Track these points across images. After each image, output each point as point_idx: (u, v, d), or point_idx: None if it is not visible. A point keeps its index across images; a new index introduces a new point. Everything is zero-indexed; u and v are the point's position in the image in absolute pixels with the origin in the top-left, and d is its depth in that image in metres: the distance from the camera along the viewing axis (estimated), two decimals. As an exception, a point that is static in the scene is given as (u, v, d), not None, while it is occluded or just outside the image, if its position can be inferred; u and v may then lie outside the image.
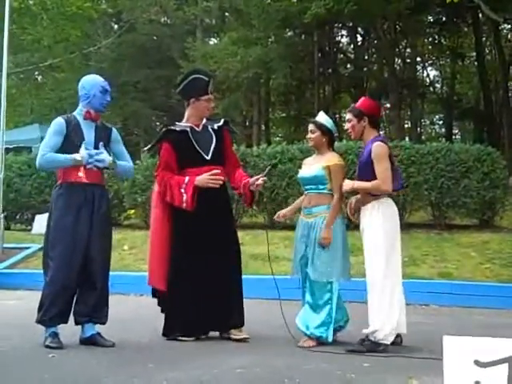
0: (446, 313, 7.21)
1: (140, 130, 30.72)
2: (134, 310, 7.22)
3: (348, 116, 5.21)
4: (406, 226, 10.51)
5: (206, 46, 26.27)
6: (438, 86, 35.68)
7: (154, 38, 28.20)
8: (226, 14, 28.70)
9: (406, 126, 31.61)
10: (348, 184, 5.07)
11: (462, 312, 7.19)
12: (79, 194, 5.00)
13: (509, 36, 28.32)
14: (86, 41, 24.00)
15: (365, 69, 28.79)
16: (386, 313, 4.85)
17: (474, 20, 24.43)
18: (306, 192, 5.38)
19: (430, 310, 7.43)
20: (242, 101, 24.77)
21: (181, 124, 5.42)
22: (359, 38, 29.37)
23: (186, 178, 5.22)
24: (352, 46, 30.18)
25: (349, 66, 30.46)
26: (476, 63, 26.92)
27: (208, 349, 5.01)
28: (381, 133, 5.29)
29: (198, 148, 5.31)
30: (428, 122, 40.20)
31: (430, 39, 29.47)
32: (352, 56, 29.98)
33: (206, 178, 5.19)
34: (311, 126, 5.39)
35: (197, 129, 5.37)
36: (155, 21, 27.47)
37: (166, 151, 5.34)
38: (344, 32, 29.42)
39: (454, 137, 34.53)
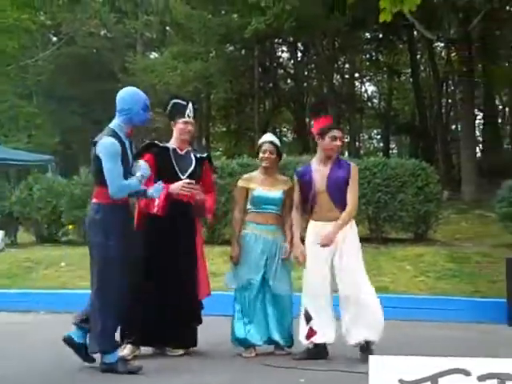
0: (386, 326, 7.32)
1: (79, 145, 30.33)
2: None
3: (339, 134, 5.42)
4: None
5: (147, 60, 26.22)
6: (375, 101, 36.50)
7: (94, 50, 27.98)
8: (167, 28, 28.69)
9: (345, 140, 32.13)
10: (329, 238, 5.19)
11: (398, 325, 7.30)
12: (126, 214, 4.97)
13: (442, 53, 29.17)
14: (24, 53, 23.61)
15: (304, 84, 29.20)
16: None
17: (409, 38, 25.13)
18: (259, 210, 5.53)
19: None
20: (182, 115, 24.70)
21: (165, 143, 5.59)
22: (299, 54, 29.78)
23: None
24: (292, 61, 30.56)
25: (289, 81, 30.84)
26: (411, 79, 27.64)
27: (147, 368, 4.95)
28: None
29: (176, 166, 5.45)
30: (366, 137, 41.01)
31: (368, 56, 30.12)
32: (292, 71, 30.35)
33: (179, 184, 5.29)
34: (270, 147, 5.57)
35: (179, 151, 5.52)
36: (95, 34, 27.27)
37: (147, 162, 5.31)
38: (284, 48, 29.80)
39: (391, 151, 35.30)
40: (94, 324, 4.72)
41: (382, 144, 36.67)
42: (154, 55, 29.51)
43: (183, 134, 5.53)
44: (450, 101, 30.80)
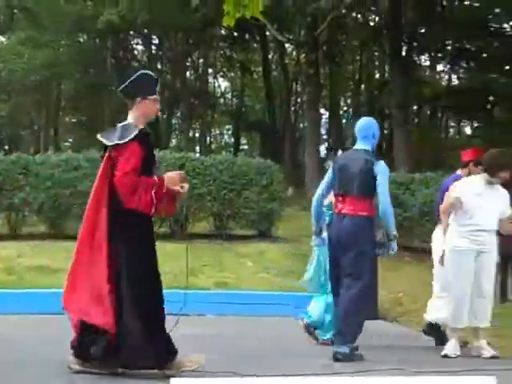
0: (226, 321, 7.47)
1: None
2: None
3: None
4: (188, 237, 10.84)
5: (-8, 44, 24.96)
6: (228, 97, 36.94)
7: None
8: (15, 11, 27.36)
9: (196, 135, 32.31)
10: None
11: (239, 321, 7.49)
12: None
13: (293, 54, 30.06)
14: None
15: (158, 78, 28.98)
16: None
17: (262, 37, 25.70)
18: None
19: (206, 319, 7.66)
20: (29, 104, 23.86)
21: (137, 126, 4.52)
22: (153, 47, 29.52)
23: (156, 180, 4.40)
24: (146, 54, 30.25)
25: (143, 74, 30.49)
26: (263, 78, 28.29)
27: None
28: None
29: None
30: (218, 132, 41.38)
31: (222, 52, 30.42)
32: (146, 64, 30.00)
33: (177, 177, 4.50)
34: None
35: None
36: None
37: (136, 153, 4.39)
38: (139, 40, 29.42)
39: (242, 147, 35.93)
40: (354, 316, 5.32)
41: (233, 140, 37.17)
42: (0, 39, 28.07)
43: (153, 113, 4.70)
44: (298, 100, 31.81)
